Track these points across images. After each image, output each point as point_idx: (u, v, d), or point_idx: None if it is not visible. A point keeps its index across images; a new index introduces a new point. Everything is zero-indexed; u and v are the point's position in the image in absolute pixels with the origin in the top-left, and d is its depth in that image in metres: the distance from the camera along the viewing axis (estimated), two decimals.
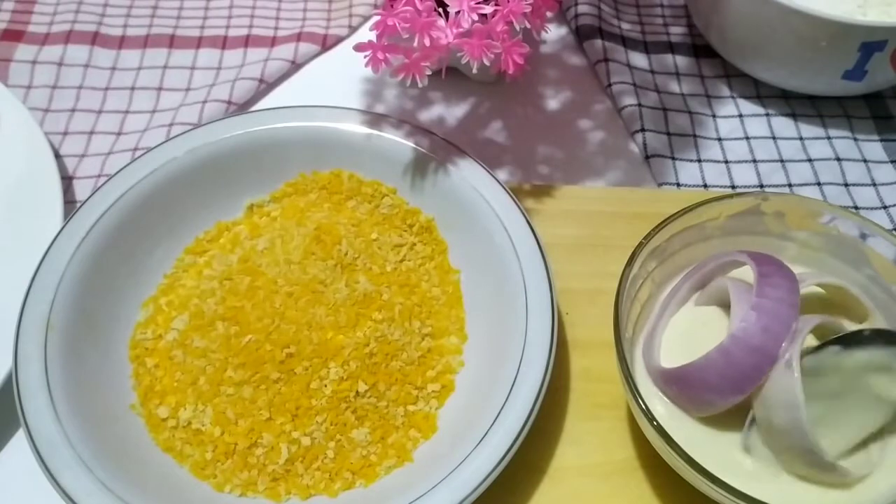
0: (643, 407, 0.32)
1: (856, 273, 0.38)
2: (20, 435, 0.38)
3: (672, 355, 0.35)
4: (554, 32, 0.58)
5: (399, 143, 0.44)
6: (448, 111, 0.53)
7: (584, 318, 0.42)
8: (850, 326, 0.35)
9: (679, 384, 0.34)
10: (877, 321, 0.36)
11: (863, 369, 0.32)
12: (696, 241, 0.39)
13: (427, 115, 0.53)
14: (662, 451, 0.33)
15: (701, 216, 0.38)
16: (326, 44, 0.56)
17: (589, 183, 0.49)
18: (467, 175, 0.42)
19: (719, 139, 0.52)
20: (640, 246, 0.36)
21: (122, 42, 0.56)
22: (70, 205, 0.46)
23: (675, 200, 0.44)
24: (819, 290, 0.37)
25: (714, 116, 0.53)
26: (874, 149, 0.51)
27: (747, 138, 0.52)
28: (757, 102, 0.54)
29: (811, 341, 0.34)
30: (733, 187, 0.49)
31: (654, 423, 0.32)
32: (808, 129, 0.52)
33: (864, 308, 0.36)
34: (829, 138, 0.52)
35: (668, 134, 0.51)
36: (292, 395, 0.38)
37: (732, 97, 0.54)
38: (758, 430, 0.33)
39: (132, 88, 0.54)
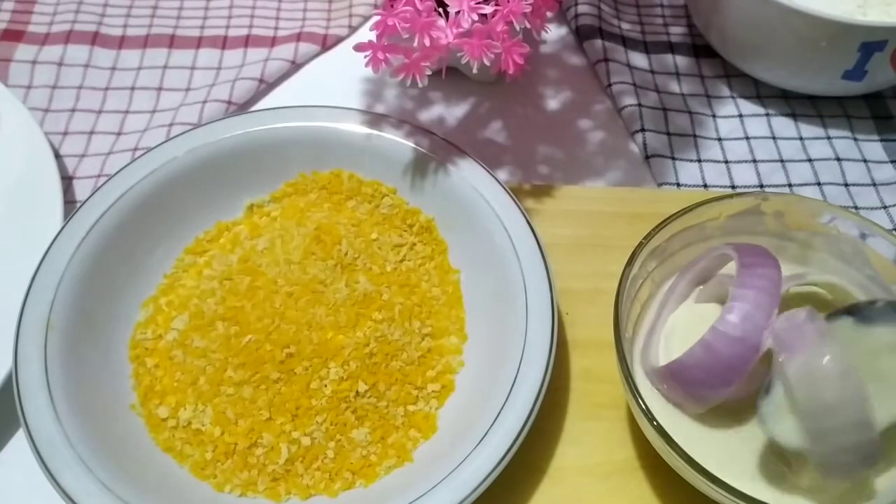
0: (643, 407, 0.32)
1: (856, 273, 0.38)
2: (20, 435, 0.38)
3: (670, 353, 0.35)
4: (554, 32, 0.58)
5: (399, 143, 0.44)
6: (448, 111, 0.53)
7: (584, 318, 0.42)
8: None
9: (670, 381, 0.34)
10: None
11: (881, 350, 0.31)
12: (697, 241, 0.39)
13: (427, 115, 0.53)
14: (662, 451, 0.33)
15: (701, 216, 0.38)
16: (326, 44, 0.56)
17: (589, 183, 0.49)
18: (467, 175, 0.42)
19: (719, 139, 0.52)
20: (640, 246, 0.36)
21: (122, 42, 0.56)
22: (70, 205, 0.46)
23: (675, 200, 0.44)
24: (818, 290, 0.37)
25: (714, 116, 0.53)
26: (874, 149, 0.51)
27: (747, 138, 0.52)
28: (757, 102, 0.54)
29: None
30: (733, 187, 0.49)
31: (654, 422, 0.32)
32: (808, 129, 0.52)
33: None
34: (829, 138, 0.52)
35: (668, 134, 0.51)
36: (292, 395, 0.37)
37: (732, 97, 0.54)
38: (794, 419, 0.31)
39: (132, 88, 0.54)
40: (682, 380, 0.34)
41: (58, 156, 0.48)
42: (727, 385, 0.33)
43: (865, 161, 0.51)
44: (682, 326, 0.37)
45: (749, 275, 0.33)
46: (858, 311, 0.32)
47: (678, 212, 0.37)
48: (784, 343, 0.31)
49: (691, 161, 0.50)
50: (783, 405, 0.31)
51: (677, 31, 0.58)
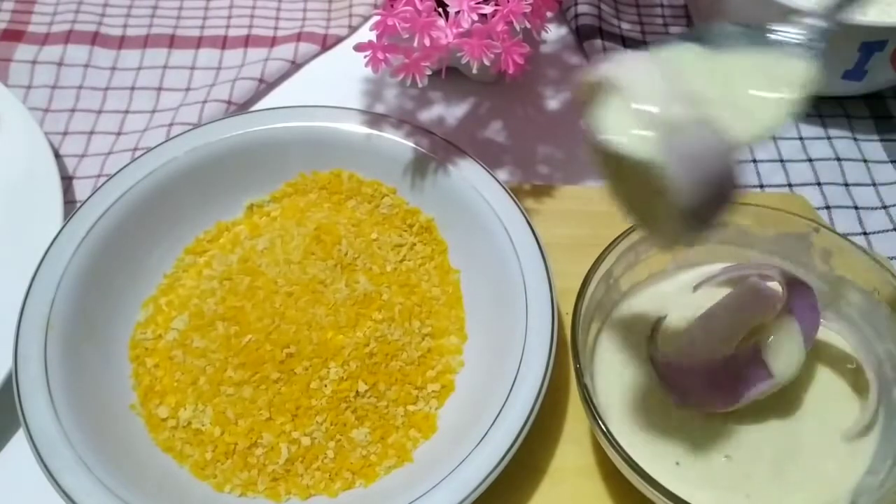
0: (579, 374, 0.32)
1: (877, 343, 0.36)
2: (20, 435, 0.38)
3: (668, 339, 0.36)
4: (554, 32, 0.58)
5: (399, 143, 0.44)
6: (448, 111, 0.53)
7: None
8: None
9: (667, 371, 0.35)
10: (872, 397, 0.34)
11: (734, 74, 0.29)
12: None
13: (427, 115, 0.53)
14: (592, 427, 0.33)
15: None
16: (326, 44, 0.56)
17: (589, 183, 0.49)
18: (467, 175, 0.42)
19: None
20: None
21: (122, 42, 0.56)
22: (70, 205, 0.46)
23: None
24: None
25: None
26: (874, 149, 0.51)
27: None
28: None
29: None
30: None
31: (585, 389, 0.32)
32: (808, 129, 0.52)
33: (865, 380, 0.35)
34: (829, 138, 0.52)
35: None
36: (292, 395, 0.37)
37: None
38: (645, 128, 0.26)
39: (132, 88, 0.54)
40: (672, 381, 0.34)
41: (58, 156, 0.48)
42: (712, 407, 0.33)
43: (865, 161, 0.51)
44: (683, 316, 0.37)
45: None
46: (700, 37, 0.29)
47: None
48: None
49: None
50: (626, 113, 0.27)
51: (677, 31, 0.58)
